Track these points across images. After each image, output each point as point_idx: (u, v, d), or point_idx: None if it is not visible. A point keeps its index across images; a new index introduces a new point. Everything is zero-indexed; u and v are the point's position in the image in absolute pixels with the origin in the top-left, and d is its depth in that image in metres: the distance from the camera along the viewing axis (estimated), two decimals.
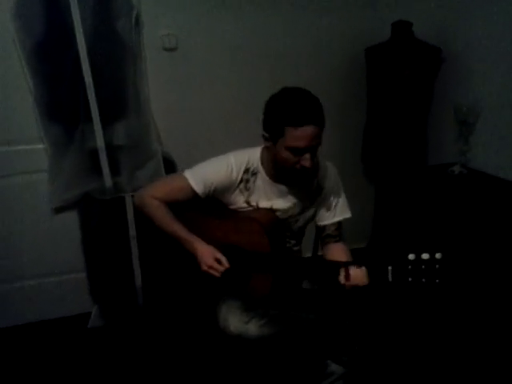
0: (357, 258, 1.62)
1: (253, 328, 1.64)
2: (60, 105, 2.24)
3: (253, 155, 1.71)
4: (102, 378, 2.21)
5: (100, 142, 2.29)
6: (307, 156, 1.53)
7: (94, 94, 2.21)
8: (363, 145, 2.91)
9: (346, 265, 1.55)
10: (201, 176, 1.68)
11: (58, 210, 2.47)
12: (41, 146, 2.34)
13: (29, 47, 2.16)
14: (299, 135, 1.49)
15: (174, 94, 2.54)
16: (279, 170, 1.66)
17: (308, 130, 1.49)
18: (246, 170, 1.70)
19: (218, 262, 1.61)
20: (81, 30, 2.12)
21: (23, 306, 2.60)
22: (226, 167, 1.68)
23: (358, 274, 1.52)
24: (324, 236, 1.80)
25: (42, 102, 2.26)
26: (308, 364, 1.75)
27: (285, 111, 1.51)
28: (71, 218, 2.52)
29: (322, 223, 1.79)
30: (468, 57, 2.56)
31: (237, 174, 1.69)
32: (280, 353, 1.72)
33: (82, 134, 2.29)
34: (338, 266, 1.57)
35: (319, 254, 1.97)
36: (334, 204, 1.77)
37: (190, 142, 2.60)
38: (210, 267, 1.60)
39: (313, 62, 2.74)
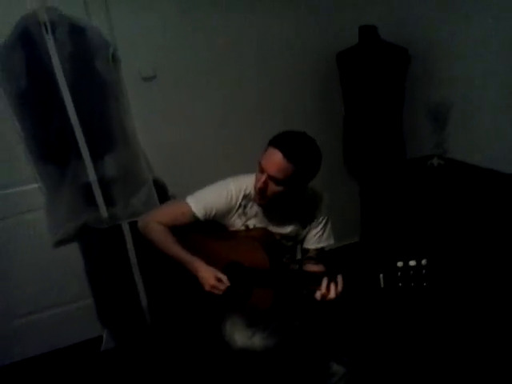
0: (336, 269, 1.68)
1: (257, 341, 1.75)
2: (49, 145, 2.33)
3: (250, 181, 1.78)
4: None
5: (92, 176, 2.38)
6: (262, 177, 1.63)
7: (81, 133, 2.29)
8: (344, 145, 3.02)
9: (326, 274, 1.62)
10: (202, 202, 1.77)
11: (60, 243, 2.54)
12: (36, 185, 2.42)
13: (14, 94, 2.24)
14: (267, 155, 1.61)
15: (158, 121, 2.62)
16: None
17: (275, 155, 1.59)
18: (245, 196, 1.79)
19: (220, 281, 1.69)
20: (62, 74, 2.20)
21: (37, 338, 2.69)
22: (226, 194, 1.77)
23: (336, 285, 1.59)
24: (306, 257, 1.91)
25: (31, 144, 2.34)
26: (312, 366, 1.86)
27: (280, 137, 1.63)
28: (73, 250, 2.60)
29: (306, 246, 1.90)
30: (434, 54, 2.67)
31: (236, 200, 1.78)
32: (285, 359, 1.83)
33: (74, 170, 2.36)
34: (321, 276, 1.63)
35: None
36: (321, 232, 1.88)
37: (178, 166, 2.69)
38: (213, 287, 1.69)
39: (288, 70, 2.84)
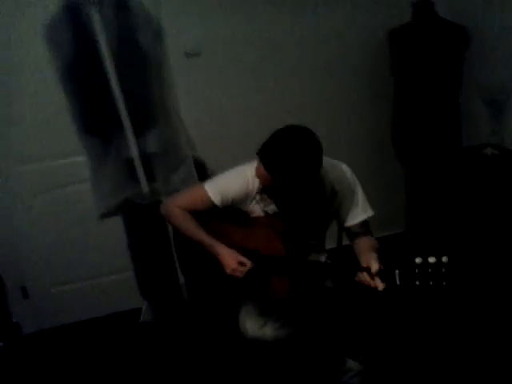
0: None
1: (268, 331, 1.75)
2: (94, 118, 2.40)
3: None
4: (157, 366, 2.38)
5: (134, 152, 2.43)
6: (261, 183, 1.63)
7: (123, 107, 2.34)
8: (392, 129, 2.89)
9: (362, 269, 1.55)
10: (219, 188, 1.75)
11: (104, 215, 2.61)
12: (82, 158, 2.50)
13: (61, 67, 2.31)
14: (257, 164, 1.58)
15: (201, 99, 2.60)
16: None
17: (260, 167, 1.56)
18: None
19: (242, 264, 1.68)
20: (107, 49, 2.25)
21: (80, 305, 2.81)
22: (243, 180, 1.73)
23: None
24: (351, 234, 1.82)
25: (77, 117, 2.41)
26: (326, 360, 1.84)
27: (264, 145, 1.59)
28: (116, 223, 2.67)
29: (346, 224, 1.80)
30: (495, 34, 2.47)
31: (253, 186, 1.73)
32: (298, 352, 1.83)
33: (117, 145, 2.43)
34: (354, 269, 1.58)
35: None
36: (353, 204, 1.76)
37: (219, 145, 2.65)
38: (234, 270, 1.68)
39: (336, 49, 2.73)
